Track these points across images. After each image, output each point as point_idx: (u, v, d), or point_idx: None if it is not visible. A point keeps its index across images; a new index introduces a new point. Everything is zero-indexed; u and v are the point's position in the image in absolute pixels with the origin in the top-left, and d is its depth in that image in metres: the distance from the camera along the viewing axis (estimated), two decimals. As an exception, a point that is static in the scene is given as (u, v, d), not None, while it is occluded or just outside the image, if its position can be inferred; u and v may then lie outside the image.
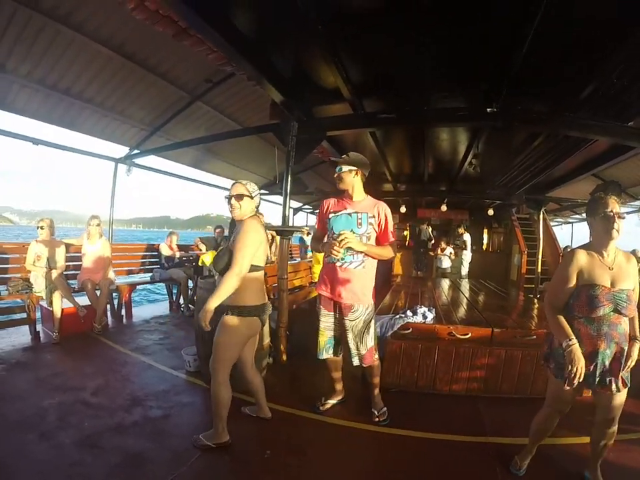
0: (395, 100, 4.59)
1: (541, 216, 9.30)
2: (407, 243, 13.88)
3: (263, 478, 2.42)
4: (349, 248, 2.77)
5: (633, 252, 7.48)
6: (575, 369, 2.03)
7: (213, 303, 2.35)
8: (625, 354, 2.09)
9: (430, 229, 10.66)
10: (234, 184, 2.60)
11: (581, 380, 2.04)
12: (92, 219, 5.51)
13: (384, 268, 12.08)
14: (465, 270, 10.57)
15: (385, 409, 3.19)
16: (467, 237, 10.59)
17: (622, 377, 2.10)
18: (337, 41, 3.41)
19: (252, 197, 2.59)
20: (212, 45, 3.54)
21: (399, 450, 2.79)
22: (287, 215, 4.46)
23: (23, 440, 2.57)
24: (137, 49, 4.42)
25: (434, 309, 4.36)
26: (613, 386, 2.10)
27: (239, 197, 2.53)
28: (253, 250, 2.49)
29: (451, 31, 3.23)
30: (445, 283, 7.89)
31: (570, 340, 2.06)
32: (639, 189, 9.13)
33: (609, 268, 2.12)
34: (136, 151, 6.82)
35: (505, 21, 3.03)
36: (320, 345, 3.14)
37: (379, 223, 2.94)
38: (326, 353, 3.14)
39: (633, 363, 2.10)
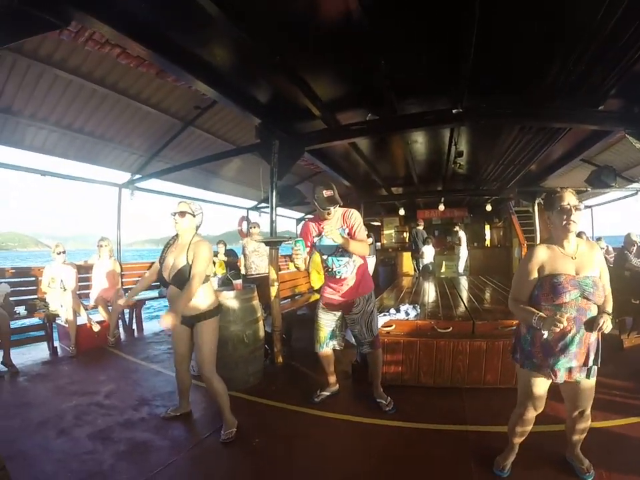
0: (366, 111, 4.81)
1: (536, 207, 9.23)
2: (408, 244, 13.79)
3: (246, 461, 2.75)
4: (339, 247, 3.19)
5: (598, 240, 7.57)
6: (555, 324, 1.90)
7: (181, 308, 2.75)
8: (594, 337, 2.09)
9: (422, 229, 10.75)
10: (179, 203, 2.97)
11: (563, 325, 1.90)
12: (101, 241, 5.94)
13: (387, 268, 12.32)
14: (461, 266, 10.62)
15: (389, 398, 3.47)
16: (461, 234, 10.65)
17: (588, 367, 2.10)
18: (297, 67, 3.73)
19: (194, 215, 2.96)
20: (188, 83, 4.00)
21: (381, 438, 3.01)
22: (274, 227, 4.77)
23: (45, 436, 2.97)
24: (128, 85, 4.81)
25: (418, 306, 4.51)
26: (578, 374, 2.12)
27: (182, 214, 2.91)
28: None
29: (400, 44, 3.44)
30: (439, 281, 7.90)
31: (537, 314, 2.02)
32: (635, 171, 9.00)
33: (572, 257, 2.14)
34: (137, 176, 7.24)
35: (449, 22, 3.15)
36: (320, 339, 3.49)
37: (350, 230, 3.26)
38: (326, 346, 3.50)
39: (607, 328, 2.01)
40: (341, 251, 3.26)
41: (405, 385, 3.85)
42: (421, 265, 10.27)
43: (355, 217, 3.31)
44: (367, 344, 3.43)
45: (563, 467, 2.47)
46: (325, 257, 3.37)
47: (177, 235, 3.03)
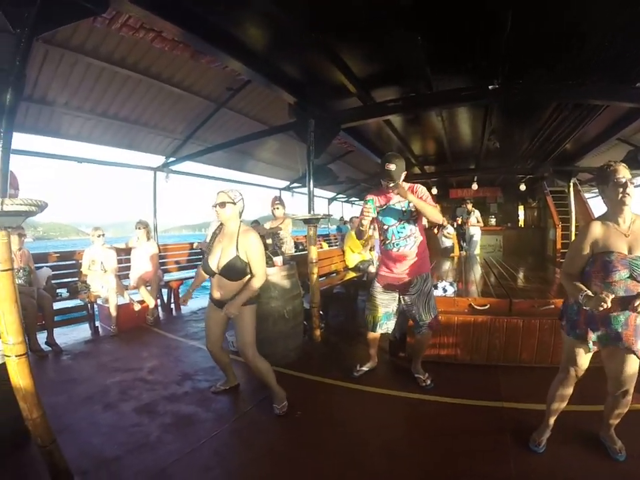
0: (401, 88, 4.74)
1: (572, 187, 9.03)
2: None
3: (289, 433, 2.82)
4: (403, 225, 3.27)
5: None
6: (598, 303, 1.94)
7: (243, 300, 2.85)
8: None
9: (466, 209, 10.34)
10: (218, 193, 2.95)
11: (607, 305, 1.92)
12: (139, 224, 6.06)
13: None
14: (475, 246, 10.18)
15: (427, 373, 3.50)
16: (477, 214, 10.19)
17: (634, 347, 2.07)
18: (333, 44, 3.68)
19: (234, 203, 2.92)
20: (223, 62, 4.02)
21: (419, 412, 3.07)
22: (312, 205, 4.83)
23: (91, 411, 3.10)
24: (161, 69, 4.85)
25: (455, 284, 4.50)
26: (622, 348, 2.09)
27: (222, 205, 2.89)
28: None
29: (437, 20, 3.33)
30: (470, 261, 7.97)
31: (584, 291, 2.06)
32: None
33: (625, 235, 2.12)
34: (172, 159, 7.36)
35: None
36: (375, 319, 3.45)
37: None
38: (380, 328, 3.47)
39: None
40: (404, 222, 3.27)
41: (442, 362, 3.87)
42: (443, 245, 10.03)
43: (422, 189, 3.29)
44: (425, 326, 3.36)
45: (596, 445, 2.49)
46: (386, 227, 3.33)
47: (222, 224, 3.05)
